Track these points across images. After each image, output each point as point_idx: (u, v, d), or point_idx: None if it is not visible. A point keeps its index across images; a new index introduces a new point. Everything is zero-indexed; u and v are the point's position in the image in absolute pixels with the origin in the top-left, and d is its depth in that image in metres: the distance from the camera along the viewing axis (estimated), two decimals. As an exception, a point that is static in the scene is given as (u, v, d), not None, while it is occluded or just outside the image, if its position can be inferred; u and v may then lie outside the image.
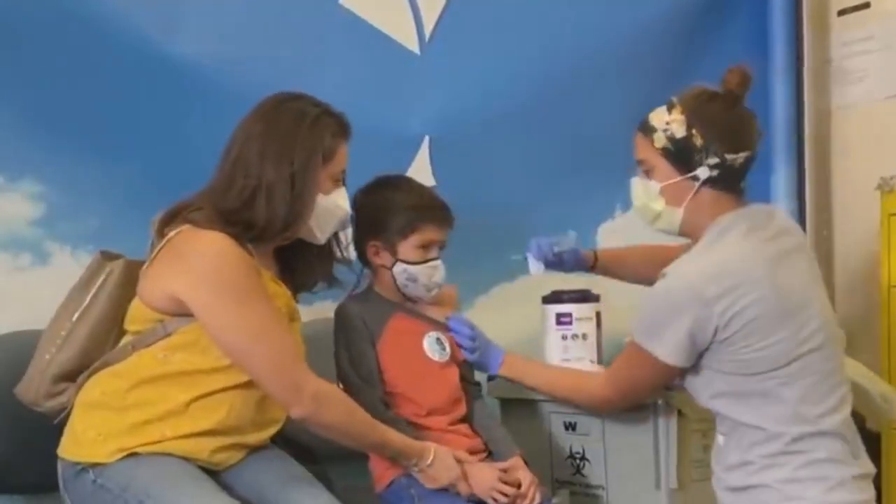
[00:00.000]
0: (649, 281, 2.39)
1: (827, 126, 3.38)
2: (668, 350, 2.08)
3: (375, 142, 2.83)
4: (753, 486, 2.04)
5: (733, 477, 2.08)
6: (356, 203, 2.37)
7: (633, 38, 3.10)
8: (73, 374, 2.13)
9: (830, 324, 2.10)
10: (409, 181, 2.46)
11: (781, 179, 3.24)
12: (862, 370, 2.52)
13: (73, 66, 2.60)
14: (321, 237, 2.21)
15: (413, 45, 2.97)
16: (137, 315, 2.11)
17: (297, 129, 2.13)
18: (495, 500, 2.22)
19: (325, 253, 2.29)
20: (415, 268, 2.34)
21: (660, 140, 2.12)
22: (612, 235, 3.07)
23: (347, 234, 2.32)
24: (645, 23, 3.11)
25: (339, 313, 2.37)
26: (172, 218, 2.10)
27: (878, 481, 2.63)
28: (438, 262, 2.36)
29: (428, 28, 2.97)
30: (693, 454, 2.42)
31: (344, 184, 2.22)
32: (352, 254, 2.39)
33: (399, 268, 2.34)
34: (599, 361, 2.66)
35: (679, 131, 2.10)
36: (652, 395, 2.29)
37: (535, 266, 2.48)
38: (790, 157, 3.25)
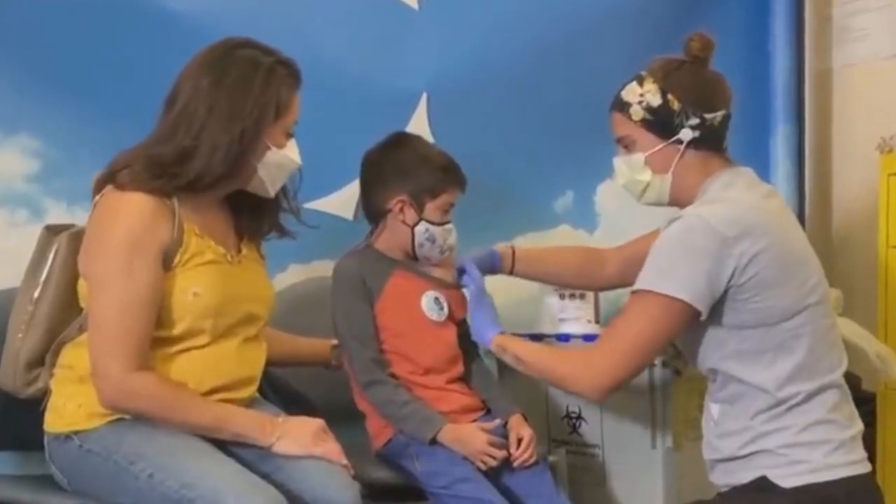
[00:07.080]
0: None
1: (827, 86, 3.35)
2: (684, 285, 1.97)
3: (373, 98, 2.84)
4: (753, 453, 2.02)
5: (729, 444, 2.05)
6: (376, 156, 2.36)
7: (634, -3, 3.08)
8: (43, 358, 2.10)
9: (824, 281, 2.11)
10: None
11: (781, 140, 3.22)
12: (857, 329, 2.52)
13: (69, 20, 2.58)
14: (272, 191, 2.14)
15: (411, 0, 2.94)
16: (83, 291, 2.07)
17: (250, 83, 2.03)
18: (484, 462, 2.22)
19: (274, 203, 2.20)
20: (436, 228, 2.33)
21: (637, 113, 2.11)
22: (611, 195, 3.06)
23: (295, 184, 2.23)
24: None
25: (338, 270, 2.36)
26: (105, 181, 2.04)
27: (871, 441, 2.65)
28: (451, 225, 2.36)
29: (427, -17, 2.95)
30: (689, 414, 2.44)
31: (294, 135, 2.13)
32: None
33: (422, 227, 2.32)
34: (597, 321, 2.67)
35: (655, 100, 2.10)
36: (659, 352, 2.15)
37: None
38: (790, 118, 3.22)
